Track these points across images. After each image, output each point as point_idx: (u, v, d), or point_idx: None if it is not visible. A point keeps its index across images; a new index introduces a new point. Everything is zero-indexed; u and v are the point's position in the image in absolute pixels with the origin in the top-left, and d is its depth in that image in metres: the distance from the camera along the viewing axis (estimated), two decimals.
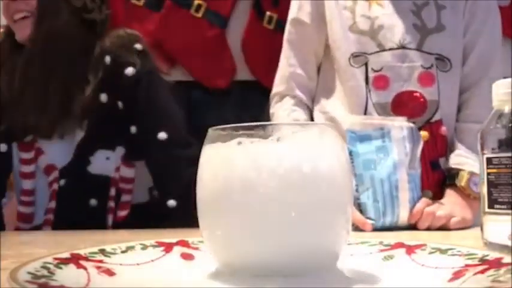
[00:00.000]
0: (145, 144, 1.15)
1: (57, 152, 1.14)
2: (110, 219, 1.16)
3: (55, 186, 1.13)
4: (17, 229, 1.15)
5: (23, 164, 1.15)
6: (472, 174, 1.05)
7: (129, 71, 1.14)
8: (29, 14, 1.12)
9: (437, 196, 1.08)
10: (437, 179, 1.11)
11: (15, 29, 1.14)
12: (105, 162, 1.16)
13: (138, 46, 1.18)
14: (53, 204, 1.13)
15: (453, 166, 1.09)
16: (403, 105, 1.08)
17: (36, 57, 1.12)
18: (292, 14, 1.21)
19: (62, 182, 1.13)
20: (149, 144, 1.14)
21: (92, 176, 1.14)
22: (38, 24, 1.12)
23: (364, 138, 1.01)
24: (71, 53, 1.14)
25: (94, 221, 1.10)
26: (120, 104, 1.13)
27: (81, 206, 1.14)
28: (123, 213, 1.18)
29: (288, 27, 1.21)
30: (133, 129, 1.14)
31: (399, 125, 1.02)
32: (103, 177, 1.16)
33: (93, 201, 1.14)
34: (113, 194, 1.17)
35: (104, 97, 1.12)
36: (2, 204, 1.18)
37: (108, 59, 1.14)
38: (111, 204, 1.16)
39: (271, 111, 1.21)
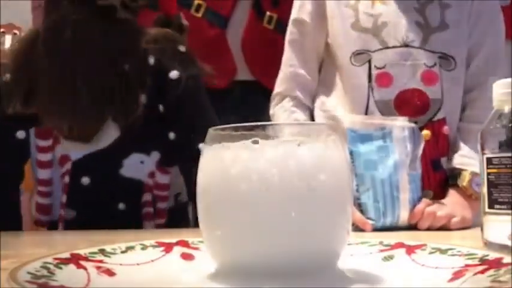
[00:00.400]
0: (183, 153, 1.10)
1: (72, 142, 1.09)
2: (151, 225, 1.13)
3: (66, 179, 1.10)
4: (37, 222, 1.13)
5: (40, 152, 1.11)
6: (474, 174, 1.04)
7: (174, 74, 1.09)
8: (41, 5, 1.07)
9: (438, 196, 1.08)
10: (438, 178, 1.11)
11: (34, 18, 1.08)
12: (138, 166, 1.11)
13: (182, 48, 1.14)
14: (63, 199, 1.09)
15: (456, 166, 1.09)
16: (406, 103, 1.08)
17: (47, 51, 1.07)
18: (293, 14, 1.21)
19: (86, 180, 1.09)
20: (188, 153, 1.06)
21: (124, 179, 1.10)
22: (45, 16, 1.08)
23: (365, 138, 1.01)
24: (88, 45, 1.07)
25: (122, 225, 1.04)
26: (161, 107, 1.09)
27: (108, 209, 1.10)
28: (160, 221, 1.15)
29: (289, 28, 1.21)
30: (171, 135, 1.10)
31: (401, 125, 1.02)
32: (135, 181, 1.11)
33: (121, 205, 1.11)
34: (149, 199, 1.13)
35: (143, 98, 1.07)
36: (21, 191, 1.14)
37: (152, 60, 1.09)
38: (149, 209, 1.13)
39: (271, 112, 1.21)
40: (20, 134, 1.10)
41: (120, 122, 1.07)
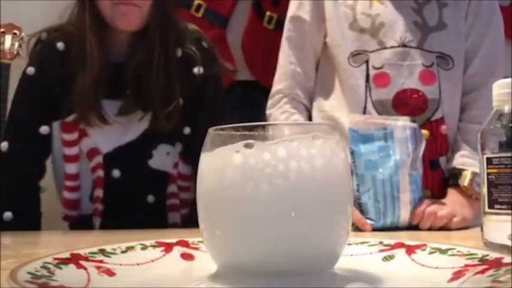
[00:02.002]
0: (198, 148, 1.12)
1: (100, 135, 1.09)
2: (176, 217, 1.13)
3: (100, 173, 1.09)
4: (65, 217, 1.12)
5: (66, 146, 1.10)
6: (475, 174, 1.04)
7: (197, 70, 1.12)
8: (139, 4, 1.05)
9: (435, 195, 1.08)
10: (436, 178, 1.11)
11: (118, 15, 1.05)
12: (165, 157, 1.12)
13: (205, 44, 1.16)
14: (99, 193, 1.09)
15: (457, 166, 1.09)
16: (404, 103, 1.08)
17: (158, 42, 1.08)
18: (291, 11, 1.20)
19: (116, 173, 1.09)
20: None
21: (152, 170, 1.11)
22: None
23: (366, 138, 1.01)
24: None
25: (150, 218, 1.06)
26: (180, 100, 1.10)
27: (138, 202, 1.10)
28: (183, 211, 1.15)
29: (287, 25, 1.20)
30: (187, 130, 1.12)
31: (402, 125, 1.02)
32: (162, 173, 1.12)
33: (150, 198, 1.11)
34: (175, 190, 1.14)
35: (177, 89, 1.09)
36: (42, 190, 1.12)
37: (179, 52, 1.11)
38: (174, 201, 1.13)
39: (268, 112, 1.19)
40: (43, 130, 1.09)
41: (159, 112, 1.08)
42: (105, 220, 1.09)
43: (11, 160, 1.08)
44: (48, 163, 1.15)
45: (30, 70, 1.10)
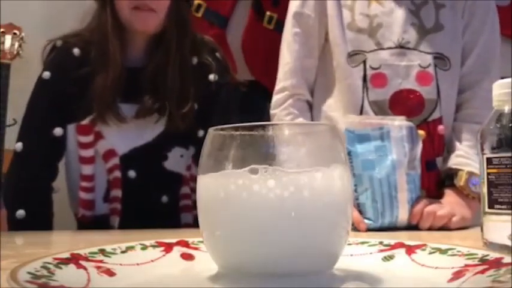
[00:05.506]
0: None
1: (117, 136, 1.11)
2: (189, 217, 1.15)
3: (117, 173, 1.11)
4: (82, 217, 1.13)
5: (82, 149, 1.12)
6: (470, 174, 1.05)
7: (213, 77, 1.17)
8: (155, 9, 1.09)
9: (431, 196, 1.08)
10: (432, 178, 1.11)
11: (137, 19, 1.09)
12: (179, 160, 1.15)
13: (218, 55, 1.21)
14: (118, 193, 1.11)
15: (452, 166, 1.09)
16: (401, 103, 1.08)
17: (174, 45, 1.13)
18: (295, 7, 1.18)
19: (132, 173, 1.12)
20: None
21: (166, 171, 1.14)
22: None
23: (362, 138, 1.01)
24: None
25: (164, 218, 1.08)
26: (195, 105, 1.14)
27: (153, 202, 1.13)
28: (196, 212, 1.17)
29: (291, 21, 1.19)
30: (201, 133, 1.14)
31: (399, 124, 1.02)
32: (175, 175, 1.15)
33: (164, 198, 1.14)
34: (188, 192, 1.16)
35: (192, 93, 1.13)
36: (55, 190, 1.14)
37: (195, 60, 1.16)
38: (187, 202, 1.16)
39: (272, 111, 1.18)
40: (57, 131, 1.11)
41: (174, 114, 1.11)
42: (121, 219, 1.11)
43: (24, 161, 1.11)
44: (61, 164, 1.16)
45: (46, 74, 1.13)
